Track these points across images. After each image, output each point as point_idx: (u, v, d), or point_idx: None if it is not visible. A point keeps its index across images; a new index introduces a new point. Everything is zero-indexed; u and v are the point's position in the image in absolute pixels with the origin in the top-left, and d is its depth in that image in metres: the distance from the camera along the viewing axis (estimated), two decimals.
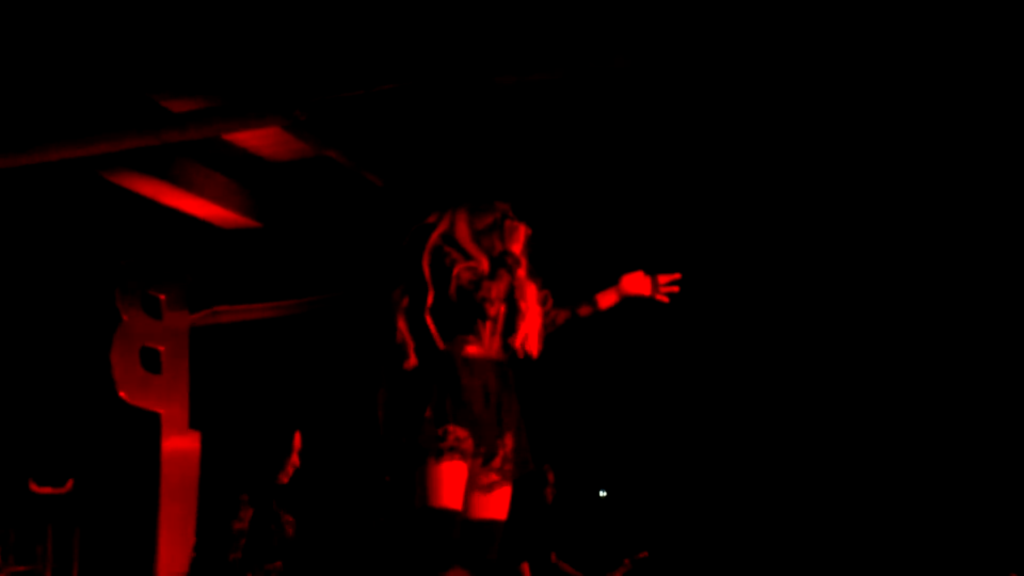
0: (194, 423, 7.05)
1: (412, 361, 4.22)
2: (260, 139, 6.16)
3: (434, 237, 4.32)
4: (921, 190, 6.82)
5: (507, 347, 4.41)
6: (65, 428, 7.29)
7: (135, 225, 6.78)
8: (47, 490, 7.21)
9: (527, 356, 4.46)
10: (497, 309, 4.21)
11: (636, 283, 4.62)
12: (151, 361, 6.80)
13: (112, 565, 7.44)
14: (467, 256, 4.30)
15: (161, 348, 6.85)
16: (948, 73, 5.86)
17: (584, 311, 4.61)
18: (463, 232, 4.35)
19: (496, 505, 4.29)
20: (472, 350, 4.26)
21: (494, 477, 4.25)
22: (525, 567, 6.77)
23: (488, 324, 4.32)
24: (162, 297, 6.89)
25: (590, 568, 7.07)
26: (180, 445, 6.91)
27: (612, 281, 4.62)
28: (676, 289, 4.64)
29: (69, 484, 7.30)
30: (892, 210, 6.98)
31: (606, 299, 4.62)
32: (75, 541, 7.59)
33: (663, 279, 4.63)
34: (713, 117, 6.16)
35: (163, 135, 5.28)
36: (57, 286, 6.87)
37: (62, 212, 6.61)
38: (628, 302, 4.63)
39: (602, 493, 8.88)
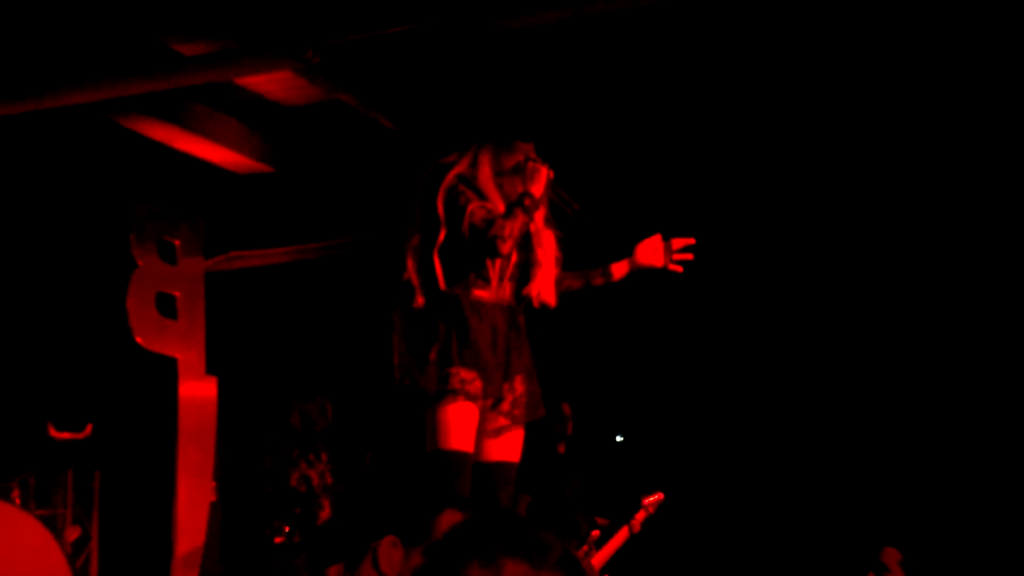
0: (211, 368, 7.06)
1: (420, 301, 4.20)
2: (273, 83, 6.11)
3: (451, 176, 4.28)
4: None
5: (519, 294, 4.39)
6: (83, 374, 7.32)
7: (149, 171, 6.76)
8: (66, 435, 7.25)
9: (544, 306, 4.43)
10: (510, 248, 4.16)
11: (650, 253, 4.56)
12: (167, 307, 6.80)
13: (132, 509, 7.50)
14: (483, 197, 4.26)
15: (177, 294, 6.85)
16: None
17: (597, 281, 4.56)
18: (485, 173, 4.30)
19: (507, 448, 4.28)
20: (481, 293, 4.24)
21: (503, 421, 4.25)
22: (525, 501, 6.77)
23: (499, 267, 4.28)
24: (177, 243, 6.88)
25: (609, 512, 7.08)
26: (197, 390, 6.92)
27: (626, 240, 4.57)
28: (690, 256, 4.59)
29: (88, 429, 7.34)
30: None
31: (620, 270, 4.57)
32: (95, 485, 7.64)
33: (677, 243, 4.57)
34: (737, 57, 6.09)
35: (174, 79, 5.25)
36: (72, 232, 6.87)
37: (75, 158, 6.59)
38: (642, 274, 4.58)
39: (619, 438, 8.89)
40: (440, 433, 4.09)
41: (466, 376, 4.10)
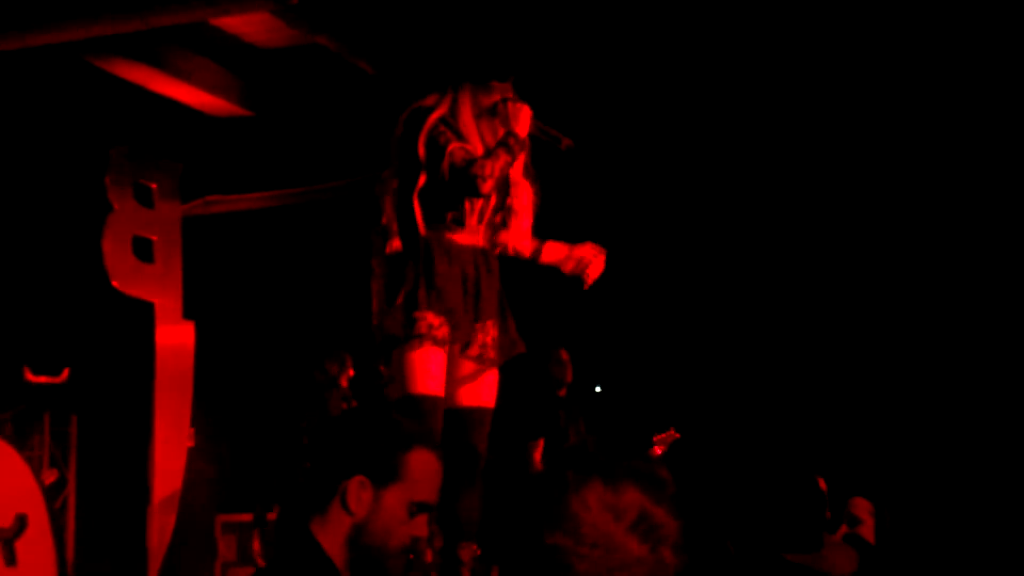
0: (188, 313, 7.04)
1: (395, 244, 4.17)
2: (250, 25, 6.07)
3: (432, 119, 4.21)
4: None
5: (494, 240, 4.34)
6: (60, 318, 7.29)
7: (125, 113, 6.71)
8: (43, 379, 7.24)
9: (518, 255, 4.39)
10: (490, 188, 4.09)
11: (578, 257, 4.44)
12: (144, 251, 6.76)
13: (109, 453, 7.50)
14: (463, 139, 4.20)
15: (153, 238, 6.81)
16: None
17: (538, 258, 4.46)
18: (465, 115, 4.23)
19: (479, 392, 4.25)
20: (454, 236, 4.19)
21: (475, 366, 4.22)
22: (538, 446, 6.78)
23: (477, 209, 4.23)
24: (154, 186, 6.83)
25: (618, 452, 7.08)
26: (174, 335, 6.90)
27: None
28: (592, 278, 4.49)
29: (65, 373, 7.33)
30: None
31: (552, 254, 4.46)
32: (72, 429, 7.64)
33: (592, 272, 4.43)
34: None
35: (149, 18, 5.19)
36: (47, 174, 6.82)
37: (50, 99, 6.53)
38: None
39: (597, 389, 8.89)
40: (408, 378, 4.07)
41: (433, 321, 4.07)
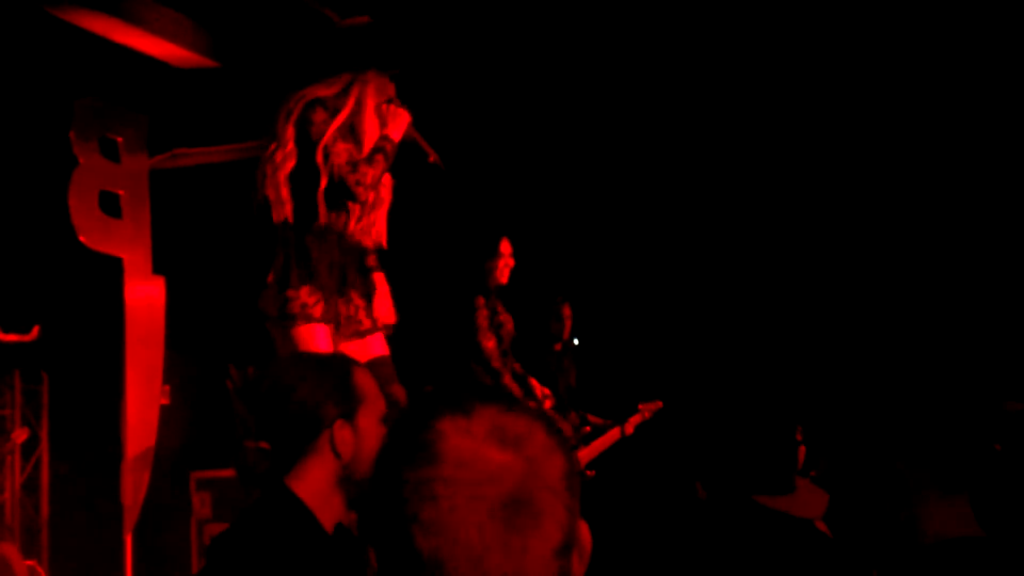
0: (158, 268, 6.97)
1: (277, 218, 4.24)
2: None
3: (308, 99, 4.28)
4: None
5: (360, 227, 4.45)
6: (28, 275, 7.20)
7: (89, 65, 6.59)
8: (12, 337, 7.16)
9: (378, 247, 4.49)
10: (368, 196, 4.31)
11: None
12: (111, 206, 6.68)
13: (81, 410, 7.44)
14: (355, 132, 4.27)
15: (121, 192, 6.73)
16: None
17: None
18: (368, 102, 4.32)
19: (368, 348, 4.35)
20: (324, 222, 4.29)
21: (353, 340, 4.32)
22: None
23: (356, 210, 4.33)
24: (120, 140, 6.74)
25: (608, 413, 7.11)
26: (144, 290, 6.84)
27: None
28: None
29: (35, 331, 7.25)
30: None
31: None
32: (44, 388, 7.58)
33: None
34: None
35: None
36: (9, 129, 6.70)
37: (10, 51, 6.40)
38: None
39: (575, 341, 8.86)
40: None
41: (307, 300, 4.17)
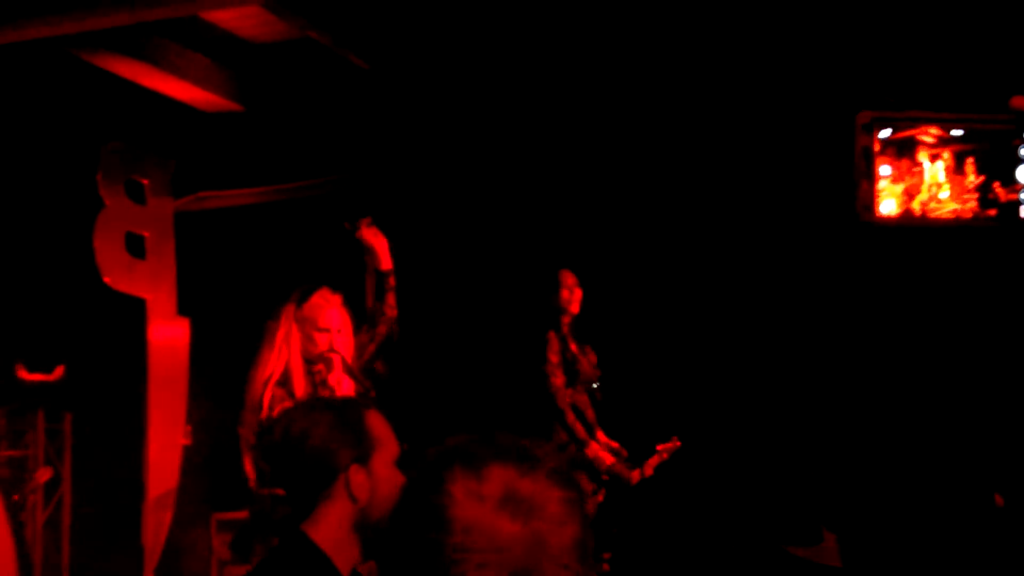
0: (182, 309, 7.01)
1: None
2: (241, 19, 6.03)
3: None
4: None
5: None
6: (53, 315, 7.25)
7: (116, 108, 6.67)
8: (37, 376, 7.20)
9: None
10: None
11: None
12: (136, 247, 6.74)
13: (104, 450, 7.46)
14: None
15: (146, 234, 6.78)
16: None
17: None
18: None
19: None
20: None
21: None
22: None
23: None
24: (146, 182, 6.81)
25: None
26: (167, 331, 6.88)
27: None
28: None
29: (59, 371, 7.29)
30: None
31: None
32: (66, 427, 7.60)
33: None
34: None
35: (137, 12, 5.16)
36: (38, 171, 6.77)
37: (40, 94, 6.49)
38: None
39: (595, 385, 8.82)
40: None
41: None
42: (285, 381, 4.73)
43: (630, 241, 7.77)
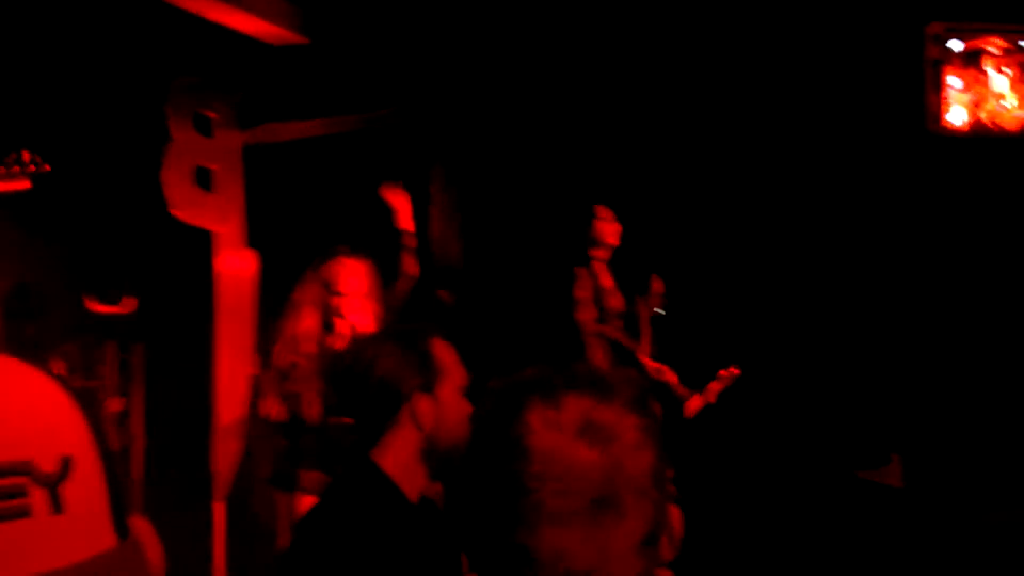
0: (250, 242, 7.07)
1: None
2: None
3: None
4: None
5: None
6: (122, 247, 7.34)
7: (184, 43, 6.69)
8: (107, 308, 7.31)
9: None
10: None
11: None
12: (204, 180, 6.79)
13: (174, 380, 7.58)
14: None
15: (214, 167, 6.82)
16: None
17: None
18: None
19: None
20: None
21: None
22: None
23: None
24: (213, 116, 6.83)
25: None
26: (235, 263, 6.94)
27: None
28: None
29: (129, 303, 7.39)
30: None
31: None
32: (137, 358, 7.72)
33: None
34: None
35: None
36: (106, 106, 6.83)
37: (108, 29, 6.53)
38: None
39: (659, 311, 8.81)
40: None
41: None
42: (298, 338, 4.84)
43: (694, 159, 7.71)
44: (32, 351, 6.94)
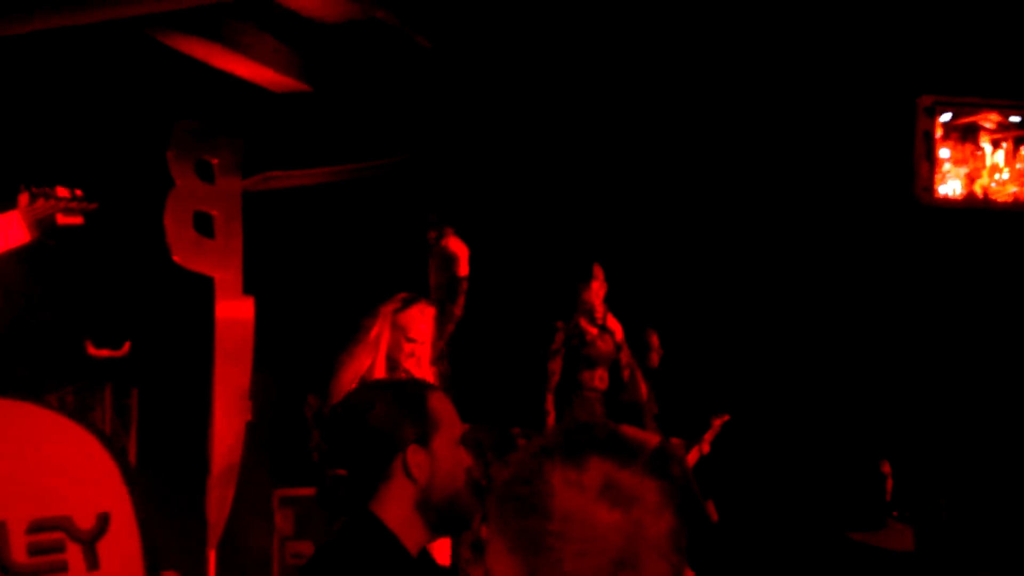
0: (248, 288, 7.07)
1: None
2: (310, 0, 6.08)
3: None
4: None
5: None
6: (121, 291, 7.34)
7: (187, 88, 6.73)
8: (104, 352, 7.30)
9: None
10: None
11: None
12: (204, 226, 6.79)
13: (169, 426, 7.56)
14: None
15: (214, 213, 6.83)
16: None
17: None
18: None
19: None
20: None
21: None
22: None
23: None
24: (215, 161, 6.85)
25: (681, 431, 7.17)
26: (234, 309, 6.94)
27: None
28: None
29: (126, 347, 7.39)
30: None
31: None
32: (133, 402, 7.71)
33: None
34: None
35: None
36: (109, 150, 6.85)
37: (113, 74, 6.56)
38: None
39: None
40: None
41: None
42: (365, 379, 4.93)
43: (692, 222, 7.76)
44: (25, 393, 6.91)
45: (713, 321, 8.02)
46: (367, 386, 3.54)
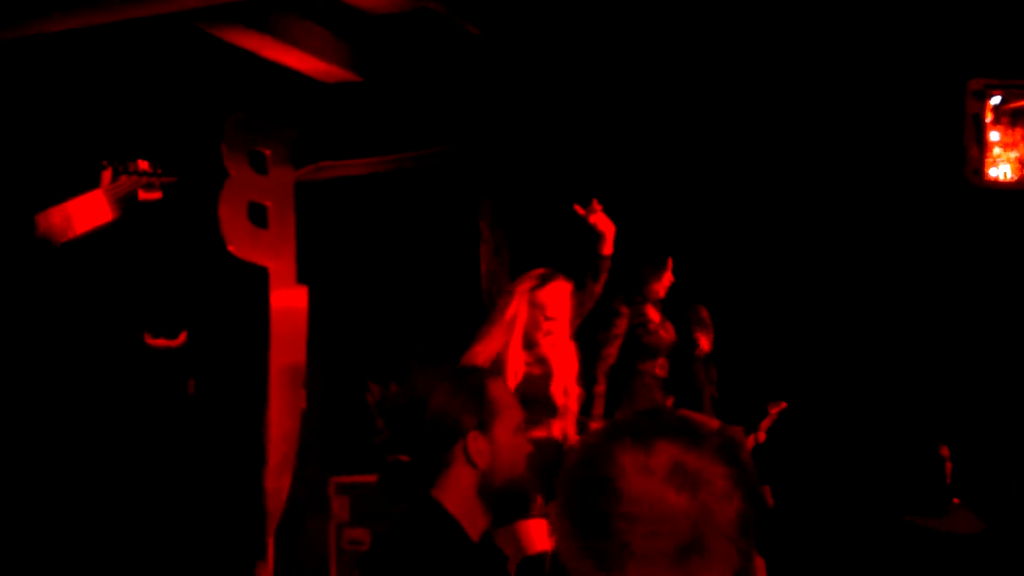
0: (302, 277, 7.13)
1: None
2: None
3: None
4: None
5: None
6: (178, 282, 7.42)
7: (239, 80, 6.78)
8: (161, 342, 7.39)
9: None
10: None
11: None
12: (258, 216, 6.85)
13: (226, 414, 7.64)
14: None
15: (268, 203, 6.88)
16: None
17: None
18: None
19: None
20: None
21: None
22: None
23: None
24: (267, 152, 6.90)
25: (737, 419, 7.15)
26: (288, 298, 6.99)
27: None
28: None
29: (183, 337, 7.47)
30: None
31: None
32: (189, 391, 7.79)
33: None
34: None
35: None
36: (164, 143, 6.93)
37: (165, 67, 6.63)
38: None
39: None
40: None
41: None
42: (500, 358, 4.85)
43: (746, 208, 7.73)
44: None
45: (768, 306, 7.98)
46: (429, 374, 3.57)
